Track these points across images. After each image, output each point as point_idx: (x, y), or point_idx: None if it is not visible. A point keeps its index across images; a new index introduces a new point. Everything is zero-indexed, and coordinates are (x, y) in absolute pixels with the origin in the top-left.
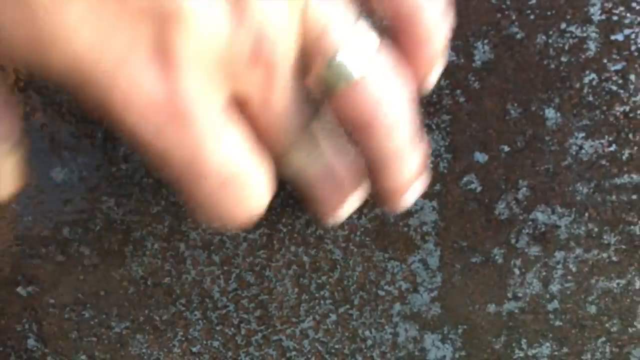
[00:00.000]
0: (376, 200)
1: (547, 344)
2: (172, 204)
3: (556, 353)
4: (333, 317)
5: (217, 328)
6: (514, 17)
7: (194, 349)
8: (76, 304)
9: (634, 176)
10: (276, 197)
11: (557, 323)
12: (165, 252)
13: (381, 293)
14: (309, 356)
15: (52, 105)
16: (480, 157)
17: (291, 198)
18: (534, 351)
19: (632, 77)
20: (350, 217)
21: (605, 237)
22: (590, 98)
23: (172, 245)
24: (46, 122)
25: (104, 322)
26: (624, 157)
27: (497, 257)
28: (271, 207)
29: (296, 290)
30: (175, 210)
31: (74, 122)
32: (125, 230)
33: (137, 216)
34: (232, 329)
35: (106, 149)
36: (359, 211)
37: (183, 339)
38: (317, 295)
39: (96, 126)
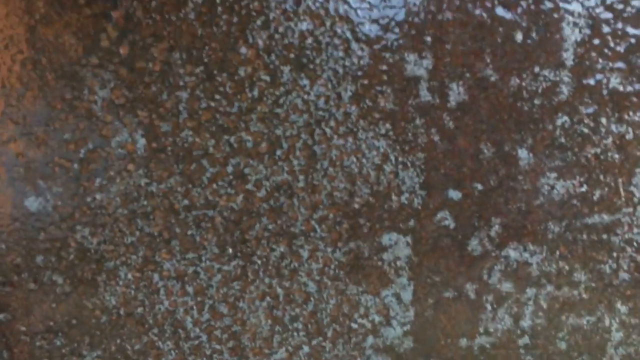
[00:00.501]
0: None
1: None
2: (146, 234)
3: None
4: (306, 349)
5: (190, 358)
6: (488, 60)
7: None
8: (48, 332)
9: (605, 216)
10: (251, 229)
11: (528, 358)
12: (138, 282)
13: (354, 326)
14: None
15: (28, 135)
16: (454, 194)
17: (266, 230)
18: None
19: (604, 120)
20: (324, 251)
21: (575, 275)
22: (563, 140)
23: (145, 276)
24: (22, 151)
25: (75, 351)
26: (594, 198)
27: (469, 293)
28: (245, 240)
29: (269, 321)
30: (149, 241)
31: (49, 152)
32: (98, 259)
33: (111, 246)
34: (205, 359)
35: (81, 179)
36: (334, 245)
37: None
38: (290, 327)
39: (72, 156)
